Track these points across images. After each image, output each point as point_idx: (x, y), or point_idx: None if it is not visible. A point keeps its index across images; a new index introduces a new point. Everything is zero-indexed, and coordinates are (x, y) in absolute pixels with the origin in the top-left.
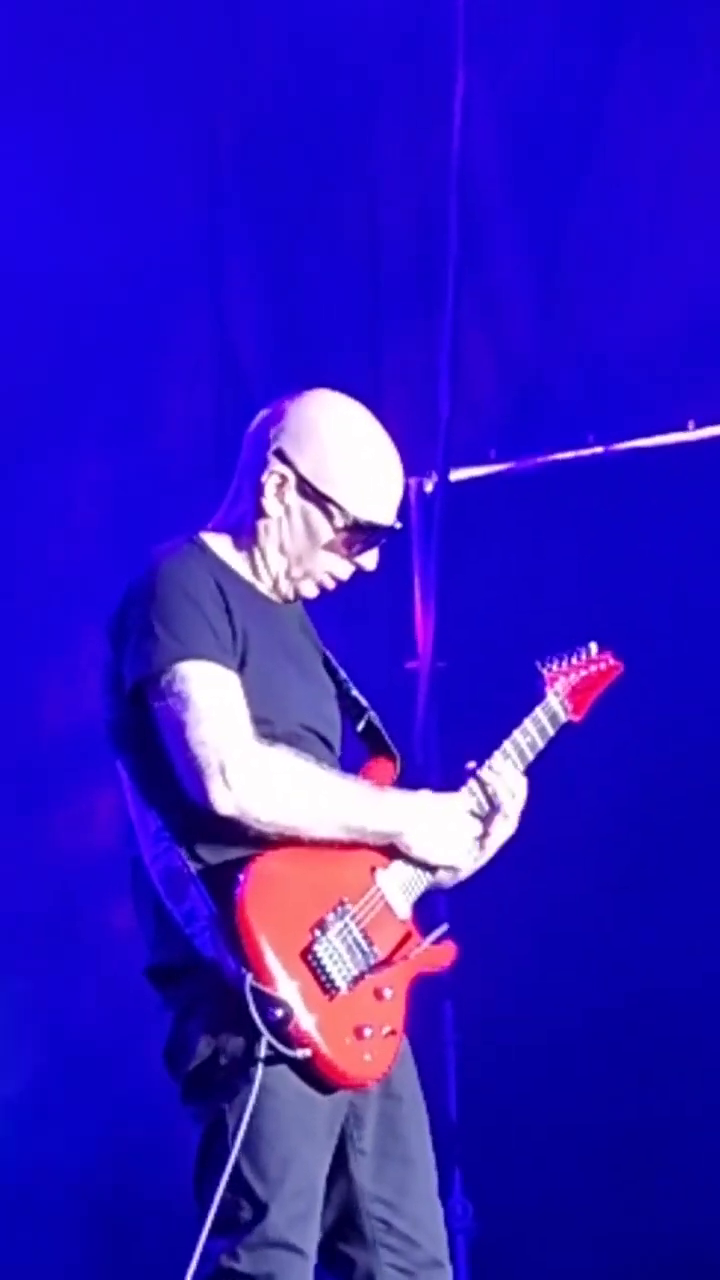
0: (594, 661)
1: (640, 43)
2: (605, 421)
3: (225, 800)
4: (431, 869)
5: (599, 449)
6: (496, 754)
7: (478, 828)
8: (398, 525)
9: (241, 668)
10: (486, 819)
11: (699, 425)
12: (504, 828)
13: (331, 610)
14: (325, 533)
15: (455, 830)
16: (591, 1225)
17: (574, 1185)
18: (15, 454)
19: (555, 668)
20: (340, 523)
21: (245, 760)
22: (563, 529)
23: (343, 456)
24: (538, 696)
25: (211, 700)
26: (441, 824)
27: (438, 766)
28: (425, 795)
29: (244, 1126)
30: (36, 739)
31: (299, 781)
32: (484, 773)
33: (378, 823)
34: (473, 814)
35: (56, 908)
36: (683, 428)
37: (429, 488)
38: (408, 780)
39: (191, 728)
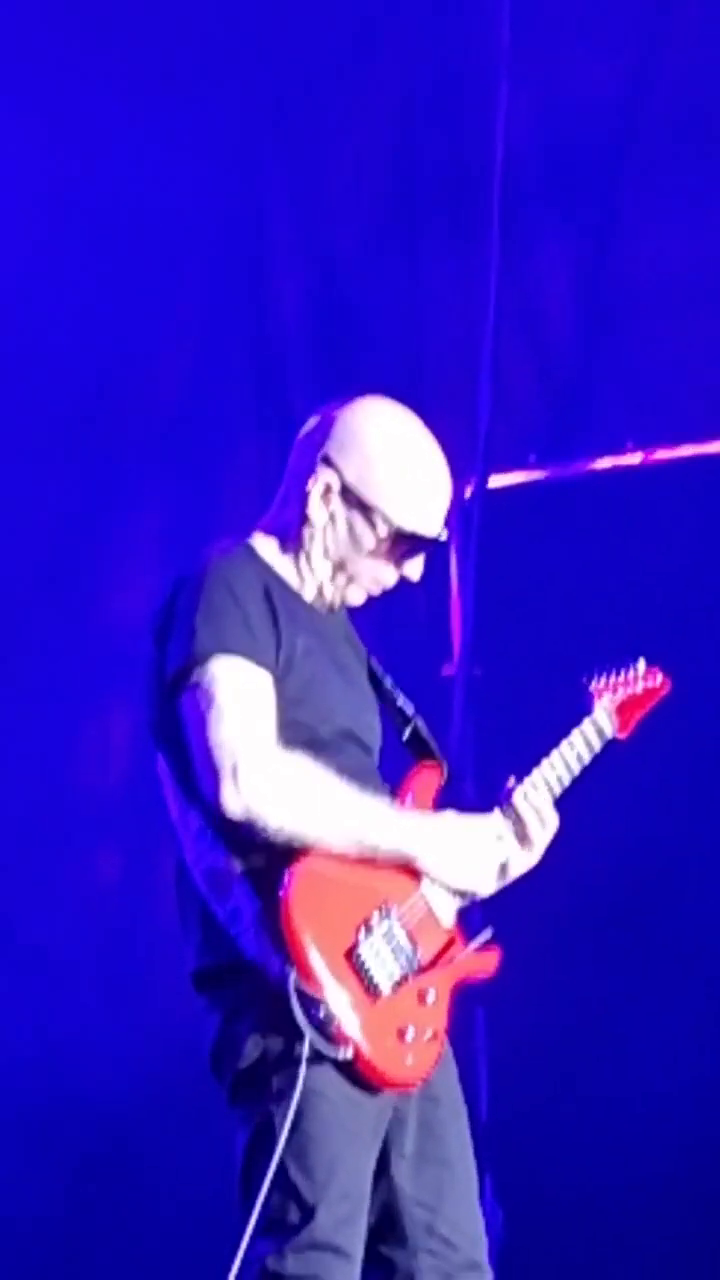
0: (642, 679)
1: (685, 46)
2: (645, 429)
3: (234, 803)
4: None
5: (638, 456)
6: (542, 764)
7: (504, 853)
8: (443, 536)
9: (286, 674)
10: (514, 845)
11: None
12: (527, 858)
13: (368, 615)
14: (368, 540)
15: (476, 855)
16: (624, 1233)
17: (607, 1191)
18: (46, 441)
19: (602, 683)
20: (383, 531)
21: (259, 765)
22: (602, 536)
23: (388, 465)
24: (585, 711)
25: (236, 701)
26: (461, 848)
27: (473, 772)
28: (448, 816)
29: (287, 1126)
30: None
31: (313, 791)
32: (517, 794)
33: (390, 842)
34: (502, 838)
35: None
36: None
37: (467, 494)
38: (445, 787)
39: (212, 727)
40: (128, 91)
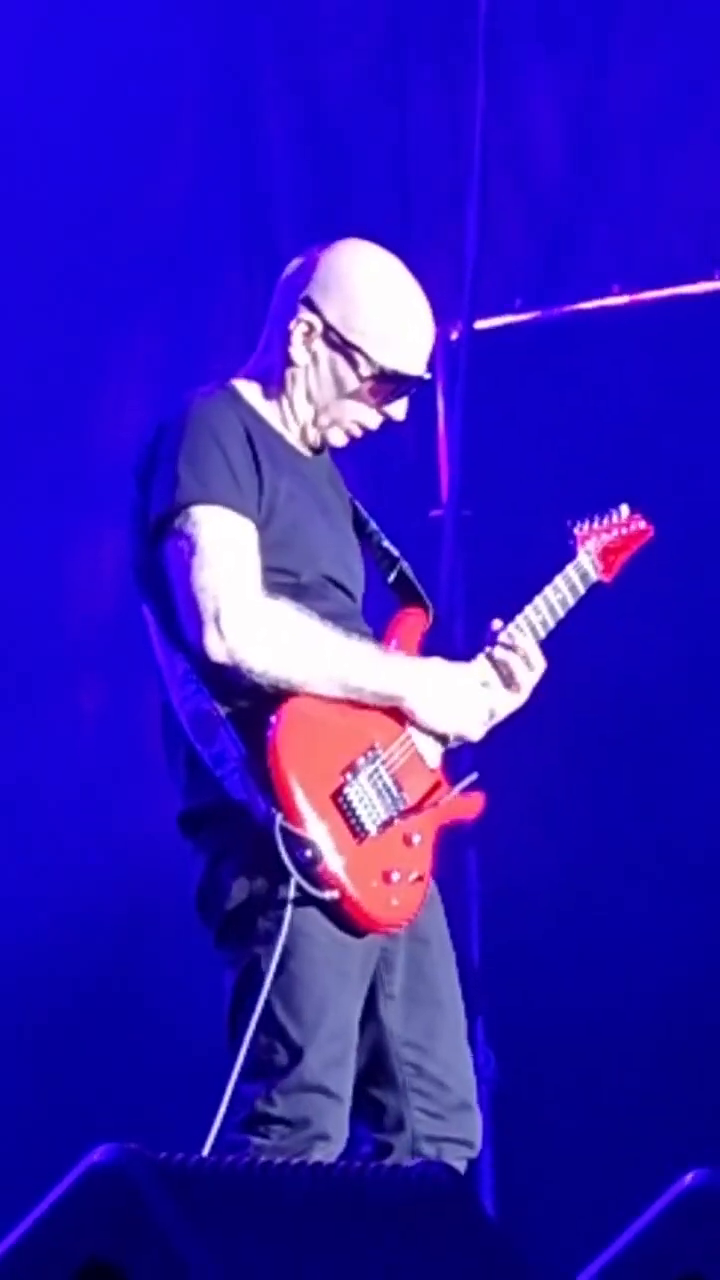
0: (626, 523)
1: None
2: (633, 271)
3: (218, 648)
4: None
5: (625, 299)
6: (526, 609)
7: (491, 698)
8: (426, 376)
9: (269, 519)
10: (500, 688)
11: None
12: (513, 700)
13: (356, 459)
14: (351, 382)
15: (461, 699)
16: (615, 1077)
17: (598, 1035)
18: (36, 281)
19: (587, 527)
20: (366, 371)
21: (242, 610)
22: (589, 379)
23: (370, 305)
24: (569, 555)
25: (219, 547)
26: (446, 692)
27: (462, 615)
28: (435, 662)
29: (273, 967)
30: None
31: (296, 635)
32: (503, 637)
33: (376, 684)
34: (486, 684)
35: None
36: (709, 277)
37: (454, 336)
38: (433, 630)
39: (195, 572)
40: None
